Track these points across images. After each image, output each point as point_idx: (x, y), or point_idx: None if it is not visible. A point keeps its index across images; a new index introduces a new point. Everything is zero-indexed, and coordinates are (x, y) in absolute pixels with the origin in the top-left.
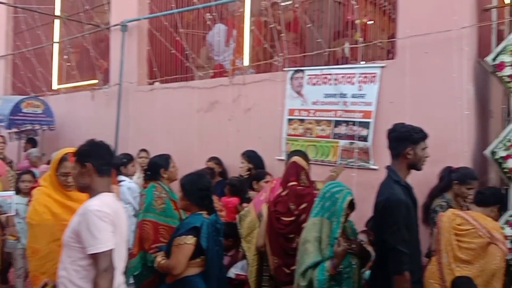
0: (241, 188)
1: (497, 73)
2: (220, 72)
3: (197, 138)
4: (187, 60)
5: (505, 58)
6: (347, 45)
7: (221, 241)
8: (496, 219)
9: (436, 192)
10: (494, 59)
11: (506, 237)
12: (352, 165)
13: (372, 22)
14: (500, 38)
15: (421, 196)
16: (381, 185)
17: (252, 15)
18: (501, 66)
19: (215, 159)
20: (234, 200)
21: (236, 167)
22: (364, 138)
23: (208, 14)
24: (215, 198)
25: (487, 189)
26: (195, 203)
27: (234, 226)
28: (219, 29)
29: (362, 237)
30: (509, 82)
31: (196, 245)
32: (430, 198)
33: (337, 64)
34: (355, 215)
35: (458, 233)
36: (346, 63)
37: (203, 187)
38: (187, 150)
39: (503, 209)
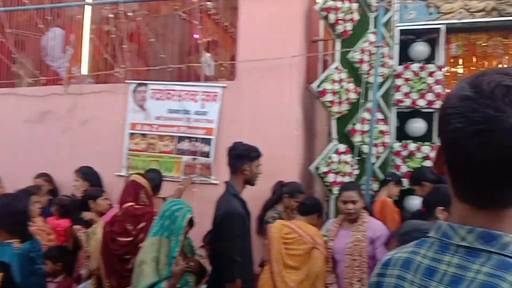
0: (72, 209)
1: (320, 98)
2: (53, 79)
3: (24, 152)
4: (13, 65)
5: (327, 85)
6: (208, 62)
7: (38, 269)
8: (317, 225)
9: (269, 205)
10: (318, 86)
11: (325, 242)
12: (195, 181)
13: (217, 42)
14: (325, 67)
15: (254, 209)
16: (220, 199)
17: (92, 22)
18: (323, 92)
19: (44, 176)
20: (64, 222)
21: (71, 184)
22: (206, 154)
23: (47, 17)
24: (41, 219)
25: (308, 199)
26: (6, 229)
27: (64, 250)
28: (55, 33)
29: (200, 252)
30: (330, 106)
31: (6, 279)
32: (263, 210)
33: (184, 80)
34: (196, 229)
35: (286, 242)
36: (188, 80)
37: (17, 211)
38: (11, 165)
39: (321, 216)
